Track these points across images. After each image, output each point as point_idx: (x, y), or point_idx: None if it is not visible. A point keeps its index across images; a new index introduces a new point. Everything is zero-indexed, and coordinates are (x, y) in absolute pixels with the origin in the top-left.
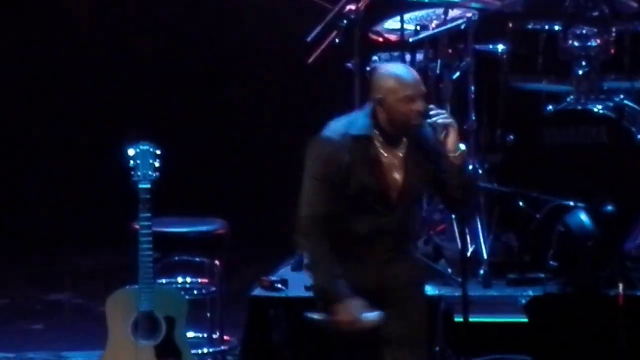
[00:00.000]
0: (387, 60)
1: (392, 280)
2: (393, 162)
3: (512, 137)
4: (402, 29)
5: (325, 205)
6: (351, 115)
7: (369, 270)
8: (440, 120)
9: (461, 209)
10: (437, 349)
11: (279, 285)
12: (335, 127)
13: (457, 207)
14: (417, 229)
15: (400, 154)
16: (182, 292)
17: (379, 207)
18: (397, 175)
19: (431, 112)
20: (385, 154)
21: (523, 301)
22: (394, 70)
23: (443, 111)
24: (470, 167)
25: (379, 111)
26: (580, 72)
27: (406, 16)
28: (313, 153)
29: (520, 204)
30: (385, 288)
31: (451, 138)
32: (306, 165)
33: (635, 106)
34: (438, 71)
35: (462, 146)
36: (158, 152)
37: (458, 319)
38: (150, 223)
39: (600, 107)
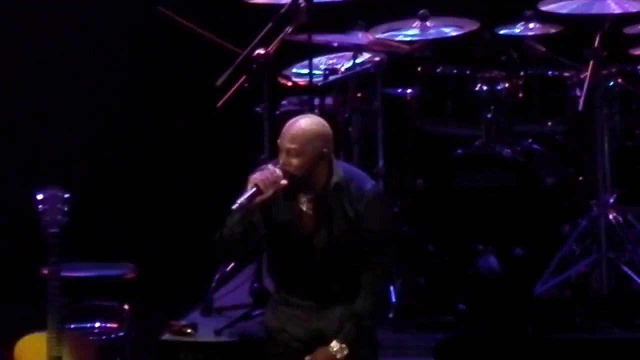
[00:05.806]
0: (296, 105)
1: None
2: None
3: (421, 181)
4: (310, 73)
5: None
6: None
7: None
8: None
9: None
10: None
11: (189, 330)
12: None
13: None
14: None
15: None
16: (92, 337)
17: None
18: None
19: None
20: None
21: (433, 344)
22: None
23: None
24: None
25: None
26: (489, 116)
27: (315, 60)
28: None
29: (430, 247)
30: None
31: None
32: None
33: (544, 150)
34: (347, 115)
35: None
36: (67, 196)
37: None
38: (59, 268)
39: (509, 151)
